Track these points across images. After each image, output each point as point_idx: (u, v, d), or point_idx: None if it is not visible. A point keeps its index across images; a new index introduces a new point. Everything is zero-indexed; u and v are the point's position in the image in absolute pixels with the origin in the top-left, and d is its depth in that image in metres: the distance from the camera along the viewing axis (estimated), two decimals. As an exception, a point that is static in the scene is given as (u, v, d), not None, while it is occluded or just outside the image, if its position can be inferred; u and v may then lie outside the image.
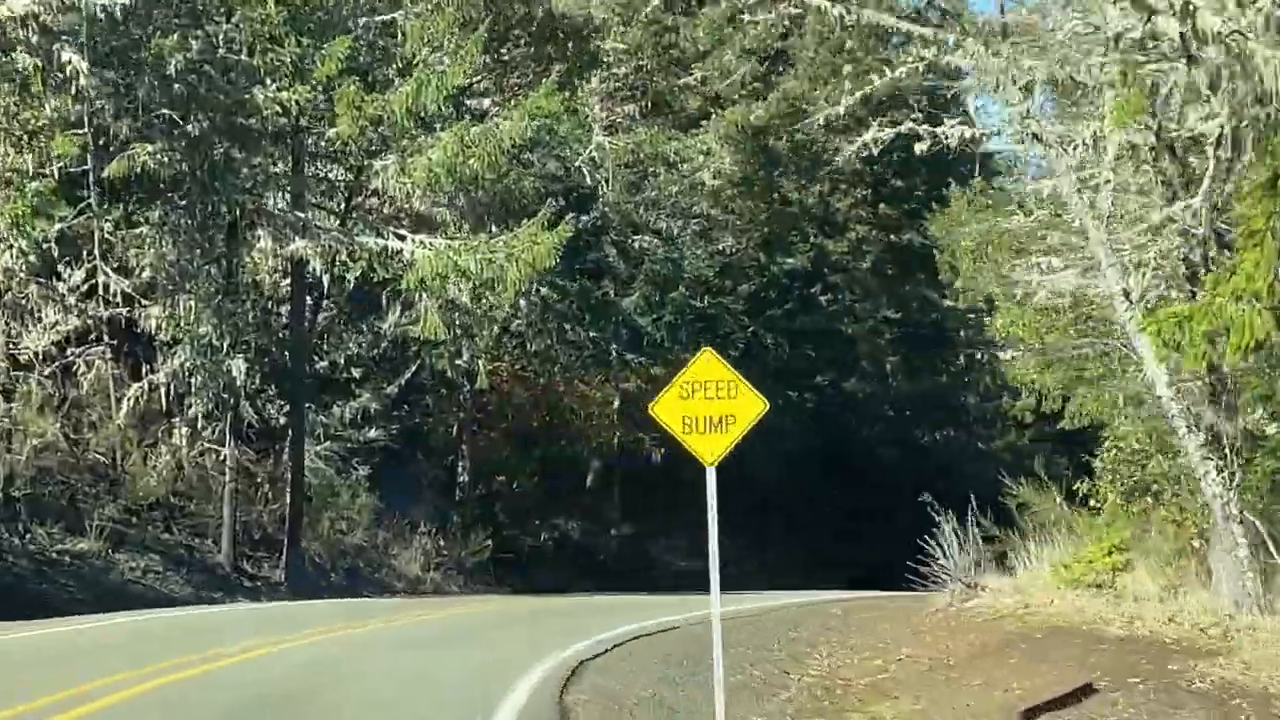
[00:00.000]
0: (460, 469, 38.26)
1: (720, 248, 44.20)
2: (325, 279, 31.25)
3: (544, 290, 37.37)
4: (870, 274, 57.17)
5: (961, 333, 62.88)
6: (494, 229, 31.41)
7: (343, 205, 32.02)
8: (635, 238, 41.96)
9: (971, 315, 63.61)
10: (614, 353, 41.67)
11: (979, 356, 63.68)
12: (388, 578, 33.85)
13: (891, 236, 59.21)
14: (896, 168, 63.23)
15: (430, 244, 29.25)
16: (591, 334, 40.58)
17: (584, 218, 36.33)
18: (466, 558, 36.36)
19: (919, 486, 55.60)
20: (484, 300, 34.23)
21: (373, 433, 34.36)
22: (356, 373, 34.87)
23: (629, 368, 41.98)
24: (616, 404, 42.65)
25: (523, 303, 36.73)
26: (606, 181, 39.79)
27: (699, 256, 43.21)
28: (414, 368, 35.92)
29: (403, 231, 30.36)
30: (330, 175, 32.03)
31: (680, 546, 45.47)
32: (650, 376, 41.91)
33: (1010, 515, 40.04)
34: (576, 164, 38.40)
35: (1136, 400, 21.64)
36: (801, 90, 50.23)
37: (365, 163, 30.34)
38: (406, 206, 34.10)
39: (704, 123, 44.23)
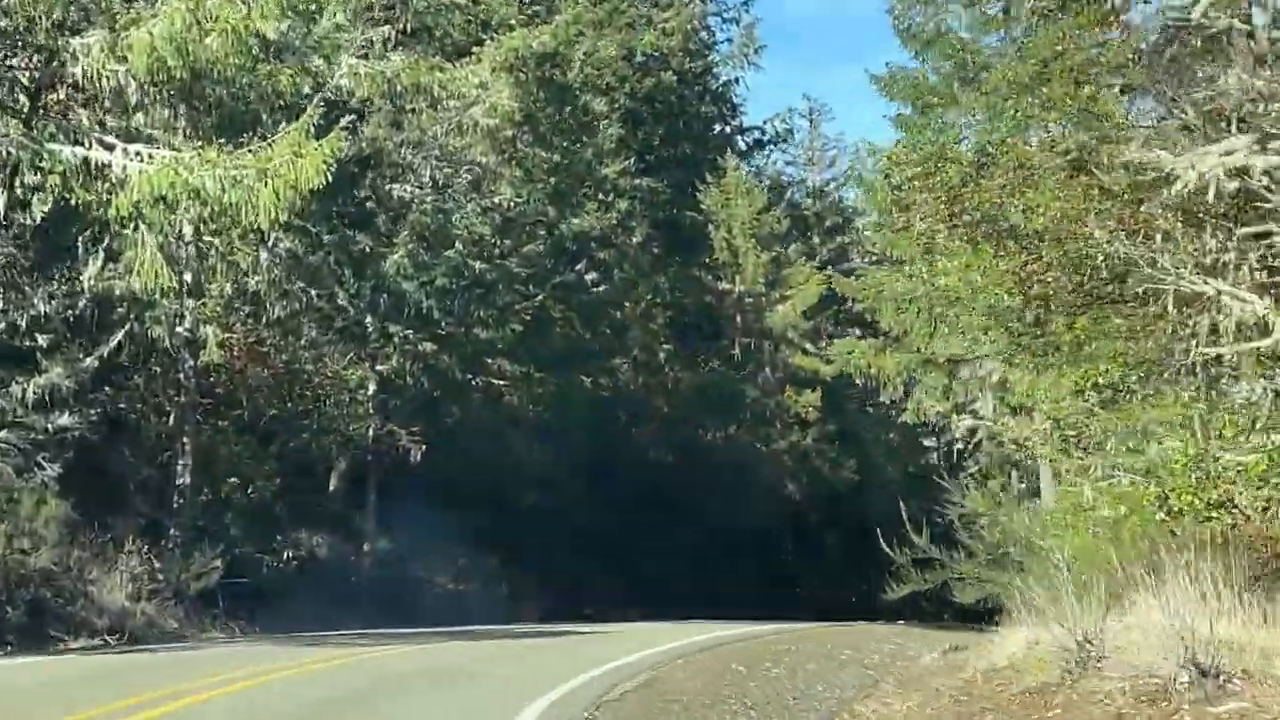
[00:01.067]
0: (179, 468, 29.57)
1: (498, 201, 36.46)
2: (1, 204, 22.69)
3: (289, 241, 29.47)
4: (640, 251, 50.45)
5: (739, 318, 56.82)
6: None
7: (27, 104, 23.49)
8: (395, 185, 34.05)
9: (750, 299, 57.96)
10: (371, 324, 33.66)
11: (754, 345, 57.99)
12: (84, 612, 25.74)
13: (660, 213, 53.13)
14: (663, 135, 57.27)
15: (152, 155, 21.40)
16: (344, 301, 32.58)
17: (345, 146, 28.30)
18: (188, 583, 28.11)
19: (699, 494, 49.65)
20: (219, 243, 26.33)
21: (65, 419, 25.73)
22: (44, 340, 26.14)
23: (390, 342, 33.94)
24: (372, 388, 34.60)
25: (263, 255, 28.64)
26: (361, 115, 32.11)
27: (473, 211, 35.53)
28: (120, 334, 27.33)
29: (112, 140, 22.18)
30: (10, 60, 23.47)
31: (446, 565, 37.99)
32: (416, 353, 34.08)
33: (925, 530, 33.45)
34: (326, 89, 30.33)
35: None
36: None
37: (60, 43, 22.04)
38: (116, 123, 25.50)
39: (476, 50, 36.44)
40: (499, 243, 36.40)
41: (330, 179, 21.80)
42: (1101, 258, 18.34)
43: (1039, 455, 32.80)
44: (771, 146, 70.12)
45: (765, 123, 69.38)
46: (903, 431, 71.15)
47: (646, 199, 51.49)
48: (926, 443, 74.97)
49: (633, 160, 50.08)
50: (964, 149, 19.06)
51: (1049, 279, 18.97)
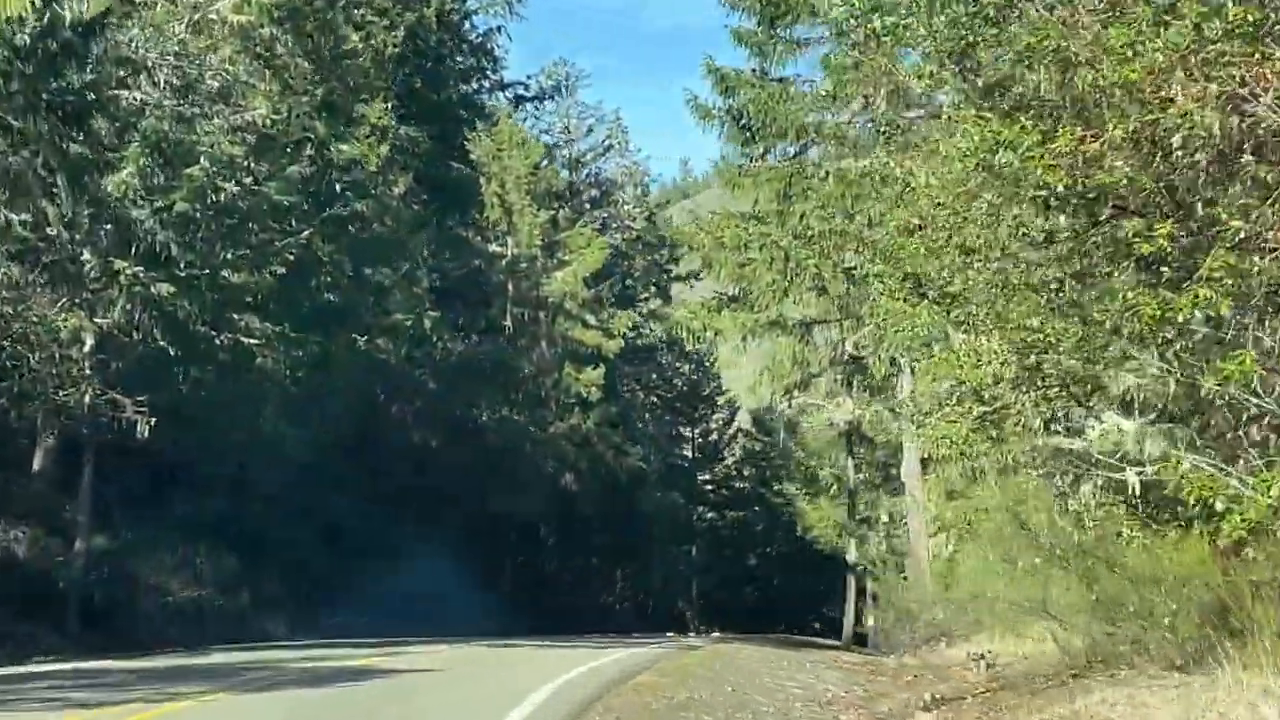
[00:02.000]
0: None
1: (252, 118, 29.38)
2: None
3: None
4: (403, 205, 43.85)
5: (511, 285, 50.52)
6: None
7: None
8: (123, 93, 26.81)
9: (524, 264, 51.56)
10: (90, 259, 26.32)
11: (529, 315, 51.62)
12: None
13: (421, 164, 46.85)
14: (423, 80, 51.25)
15: None
16: (55, 227, 25.22)
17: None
18: None
19: (468, 482, 43.30)
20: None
21: None
22: None
23: (115, 284, 26.50)
24: (90, 343, 27.15)
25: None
26: None
27: (220, 128, 28.48)
28: None
29: None
30: None
31: (178, 568, 31.05)
32: (148, 298, 26.78)
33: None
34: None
35: None
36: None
37: None
38: None
39: (224, -69, 29.45)
40: (253, 165, 29.27)
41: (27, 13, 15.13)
42: (1200, 133, 12.58)
43: (914, 437, 27.57)
44: (536, 104, 64.64)
45: (530, 78, 63.90)
46: (660, 420, 65.88)
47: (407, 148, 45.19)
48: (684, 432, 70.10)
49: (392, 104, 43.54)
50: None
51: (1118, 165, 13.10)
